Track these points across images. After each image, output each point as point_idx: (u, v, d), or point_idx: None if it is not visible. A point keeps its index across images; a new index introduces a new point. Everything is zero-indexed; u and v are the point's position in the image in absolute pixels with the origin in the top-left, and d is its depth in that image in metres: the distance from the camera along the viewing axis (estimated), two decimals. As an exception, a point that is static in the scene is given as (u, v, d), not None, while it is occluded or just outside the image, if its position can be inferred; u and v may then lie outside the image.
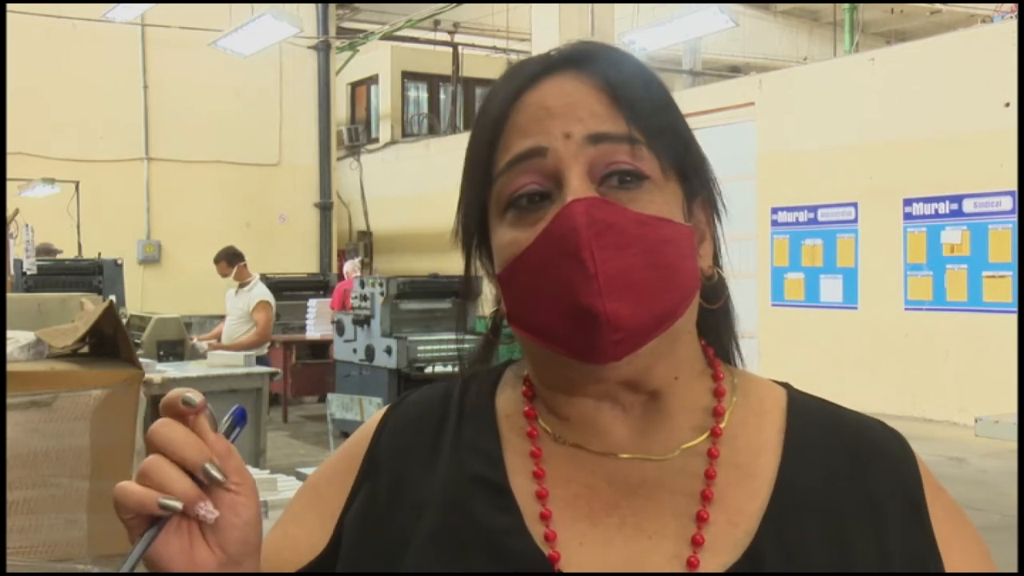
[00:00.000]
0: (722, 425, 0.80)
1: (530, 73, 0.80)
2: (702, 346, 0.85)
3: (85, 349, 3.01)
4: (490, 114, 0.80)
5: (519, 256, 0.76)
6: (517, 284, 0.77)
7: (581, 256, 0.72)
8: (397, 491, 0.82)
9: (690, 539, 0.75)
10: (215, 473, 0.69)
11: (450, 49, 17.06)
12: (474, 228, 0.83)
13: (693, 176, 0.81)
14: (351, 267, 11.00)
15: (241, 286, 8.36)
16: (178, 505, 0.68)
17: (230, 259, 8.41)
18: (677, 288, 0.76)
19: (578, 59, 0.80)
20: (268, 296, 8.31)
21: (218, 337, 8.44)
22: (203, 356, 7.35)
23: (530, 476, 0.80)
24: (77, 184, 11.65)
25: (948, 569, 0.78)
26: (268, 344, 8.72)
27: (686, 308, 0.77)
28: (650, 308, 0.74)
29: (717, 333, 0.86)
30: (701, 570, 0.74)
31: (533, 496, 0.79)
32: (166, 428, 0.69)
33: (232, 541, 0.71)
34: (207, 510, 0.69)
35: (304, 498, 0.90)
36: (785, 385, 0.87)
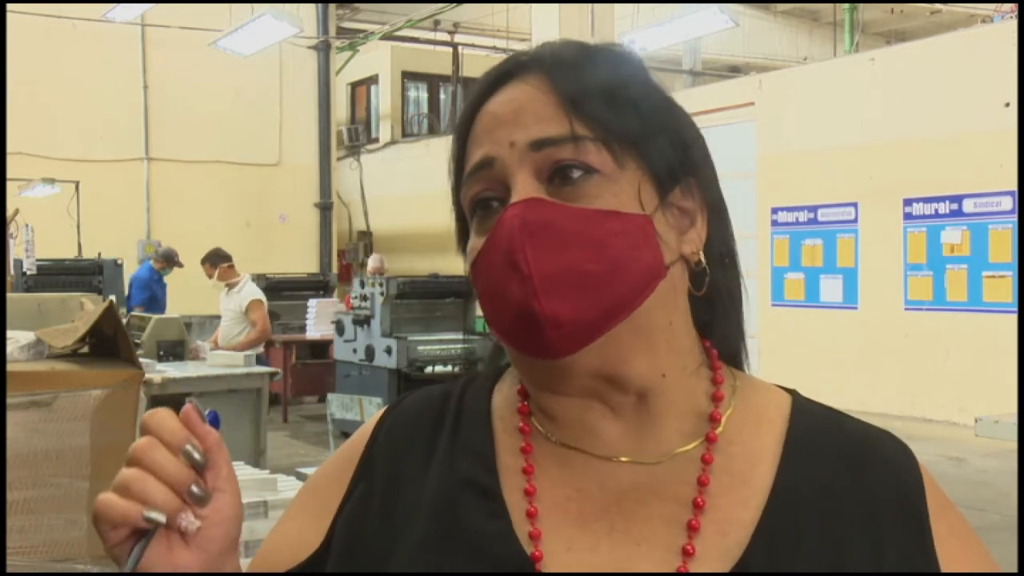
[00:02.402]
0: (718, 431, 0.79)
1: (488, 82, 0.82)
2: (706, 347, 0.83)
3: (85, 349, 3.01)
4: (458, 125, 0.83)
5: (474, 262, 0.78)
6: (478, 289, 0.79)
7: (515, 258, 0.73)
8: (391, 492, 0.82)
9: (680, 549, 0.75)
10: (198, 492, 0.71)
11: (450, 49, 17.06)
12: (462, 234, 0.84)
13: (668, 161, 0.79)
14: (375, 263, 10.96)
15: (229, 287, 8.30)
16: (162, 518, 0.69)
17: (213, 260, 8.35)
18: (627, 279, 0.75)
19: (529, 64, 0.80)
20: (259, 295, 8.25)
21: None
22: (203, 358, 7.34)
23: (520, 473, 0.80)
24: (77, 184, 11.65)
25: None
26: (264, 343, 8.67)
27: (644, 298, 0.75)
28: (594, 302, 0.74)
29: (725, 333, 0.85)
30: None
31: (522, 493, 0.79)
32: (152, 447, 0.71)
33: (214, 539, 0.73)
34: (188, 521, 0.71)
35: (302, 498, 0.90)
36: (792, 392, 0.85)
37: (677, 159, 0.80)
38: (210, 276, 8.41)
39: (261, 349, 8.40)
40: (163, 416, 0.72)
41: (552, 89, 0.78)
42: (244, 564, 0.90)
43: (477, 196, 0.79)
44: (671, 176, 0.79)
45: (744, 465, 0.79)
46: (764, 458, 0.79)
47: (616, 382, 0.77)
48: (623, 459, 0.79)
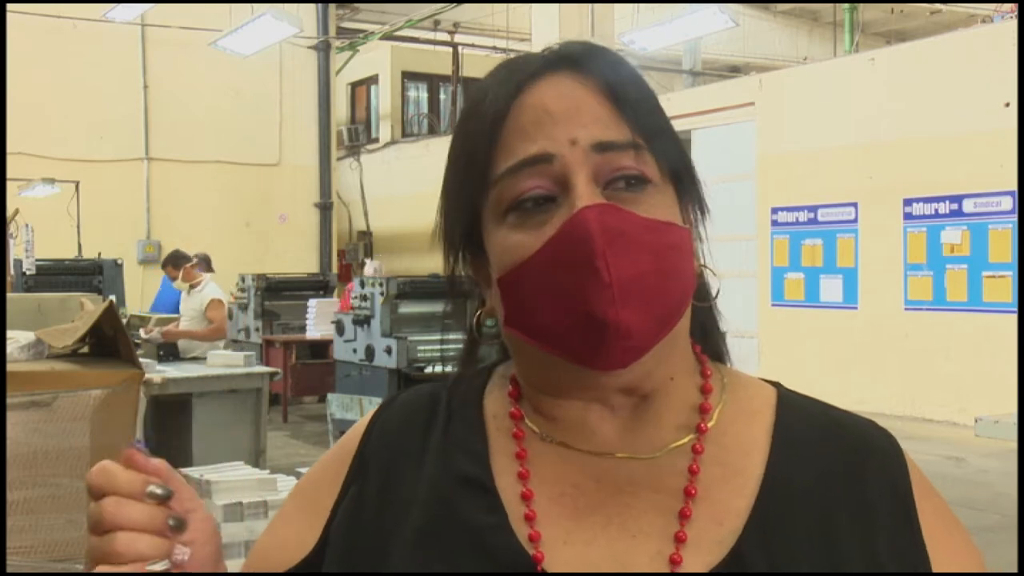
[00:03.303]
0: (709, 423, 0.81)
1: (528, 71, 0.79)
2: (691, 344, 0.85)
3: (85, 349, 3.01)
4: (487, 112, 0.78)
5: (526, 261, 0.75)
6: (522, 288, 0.76)
7: (596, 265, 0.71)
8: (385, 491, 0.82)
9: (673, 536, 0.75)
10: (176, 523, 0.71)
11: (450, 49, 17.06)
12: (462, 227, 0.82)
13: (685, 178, 0.81)
14: (372, 269, 10.94)
15: (192, 287, 8.14)
16: (167, 565, 0.70)
17: (175, 262, 8.23)
18: (679, 292, 0.76)
19: (574, 59, 0.79)
20: (220, 294, 8.09)
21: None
22: (161, 345, 7.33)
23: (516, 477, 0.80)
24: (77, 184, 11.65)
25: (937, 570, 0.78)
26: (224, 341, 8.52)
27: (684, 310, 0.78)
28: (656, 314, 0.74)
29: (705, 332, 0.87)
30: (684, 569, 0.74)
31: (518, 497, 0.79)
32: (120, 506, 0.69)
33: (205, 557, 0.74)
34: (181, 552, 0.71)
35: (294, 499, 0.90)
36: (775, 384, 0.87)
37: (687, 176, 0.82)
38: (173, 278, 8.26)
39: (222, 347, 8.21)
40: (110, 469, 0.70)
41: (602, 91, 0.77)
42: (239, 564, 0.90)
43: (527, 192, 0.76)
44: (686, 192, 0.81)
45: (736, 455, 0.80)
46: (755, 448, 0.80)
47: (630, 390, 0.79)
48: (619, 455, 0.79)
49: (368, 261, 11.43)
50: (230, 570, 0.78)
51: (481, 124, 0.79)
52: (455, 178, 0.82)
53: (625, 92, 0.78)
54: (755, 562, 0.74)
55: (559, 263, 0.73)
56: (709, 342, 0.87)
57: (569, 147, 0.75)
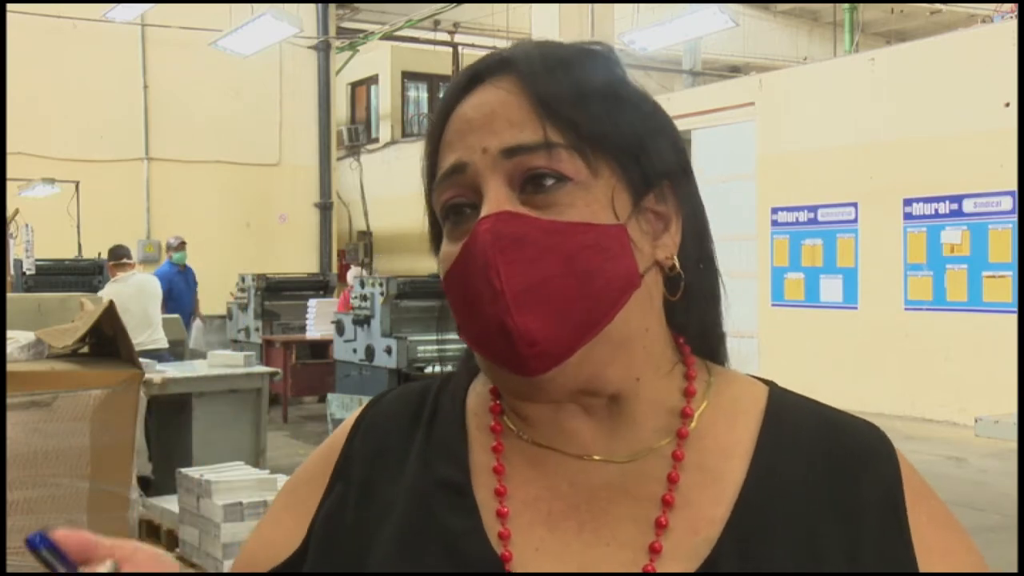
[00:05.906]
0: (690, 427, 0.78)
1: (460, 84, 0.80)
2: (680, 344, 0.82)
3: (85, 349, 3.01)
4: (430, 128, 0.81)
5: (447, 272, 0.77)
6: (450, 297, 0.78)
7: (488, 275, 0.72)
8: (367, 491, 0.82)
9: (648, 547, 0.74)
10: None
11: (450, 49, 17.06)
12: (435, 236, 0.83)
13: (642, 166, 0.77)
14: (354, 274, 10.90)
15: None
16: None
17: (109, 255, 8.06)
18: (601, 293, 0.73)
19: (503, 66, 0.79)
20: (105, 296, 7.77)
21: None
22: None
23: (491, 473, 0.79)
24: (77, 184, 11.65)
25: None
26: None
27: (617, 310, 0.74)
28: (568, 317, 0.72)
29: (702, 332, 0.84)
30: None
31: (492, 493, 0.78)
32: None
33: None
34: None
35: (282, 499, 0.89)
36: (769, 383, 0.84)
37: (651, 163, 0.78)
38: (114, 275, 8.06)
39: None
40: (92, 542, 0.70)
41: (525, 92, 0.76)
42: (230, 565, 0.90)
43: (449, 202, 0.77)
44: (645, 181, 0.77)
45: (717, 460, 0.78)
46: (737, 452, 0.78)
47: (589, 391, 0.77)
48: (596, 458, 0.78)
49: (353, 266, 11.37)
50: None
51: (427, 139, 0.81)
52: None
53: (544, 91, 0.76)
54: (730, 571, 0.72)
55: (465, 274, 0.74)
56: (705, 342, 0.84)
57: (480, 155, 0.75)
